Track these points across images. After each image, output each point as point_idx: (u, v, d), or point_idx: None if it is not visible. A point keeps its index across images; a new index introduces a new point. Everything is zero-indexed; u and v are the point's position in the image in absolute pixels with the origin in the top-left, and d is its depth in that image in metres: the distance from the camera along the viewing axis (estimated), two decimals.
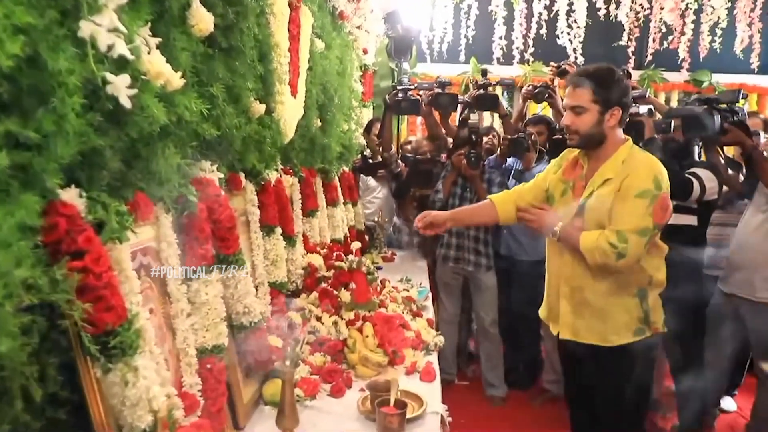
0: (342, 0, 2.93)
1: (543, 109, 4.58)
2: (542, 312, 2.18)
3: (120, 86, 0.86)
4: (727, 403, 3.45)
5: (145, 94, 1.01)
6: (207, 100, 1.30)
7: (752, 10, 5.02)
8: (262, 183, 1.81)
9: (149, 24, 1.05)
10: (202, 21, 1.27)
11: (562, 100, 3.95)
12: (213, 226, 1.36)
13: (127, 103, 0.88)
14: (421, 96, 3.70)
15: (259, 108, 1.68)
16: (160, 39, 1.08)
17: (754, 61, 5.13)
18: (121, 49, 0.88)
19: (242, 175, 1.70)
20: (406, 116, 4.93)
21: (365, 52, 3.96)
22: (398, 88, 3.72)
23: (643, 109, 3.08)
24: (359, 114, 3.75)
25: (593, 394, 2.11)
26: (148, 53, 1.04)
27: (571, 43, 5.10)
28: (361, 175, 3.89)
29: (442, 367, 3.61)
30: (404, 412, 1.45)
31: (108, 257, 0.90)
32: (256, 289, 1.73)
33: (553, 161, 2.16)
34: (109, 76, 0.86)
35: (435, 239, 3.64)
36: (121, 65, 0.93)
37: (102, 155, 0.97)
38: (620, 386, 1.94)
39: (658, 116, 3.27)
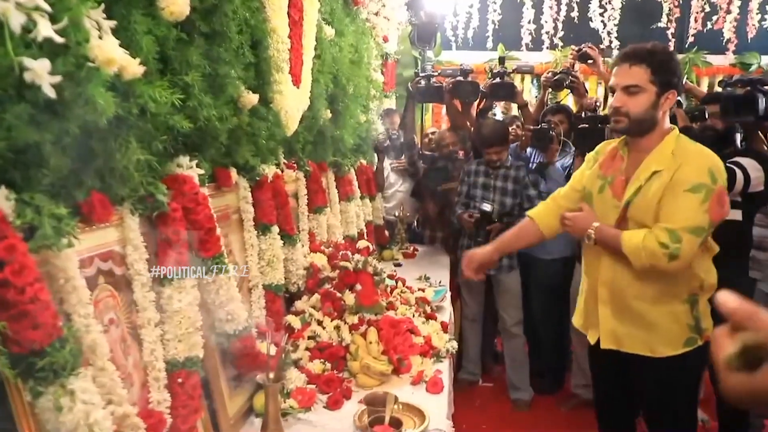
0: None
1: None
2: (577, 320, 1.99)
3: (41, 73, 0.75)
4: None
5: (91, 83, 0.91)
6: (181, 89, 1.20)
7: None
8: (258, 179, 1.70)
9: (102, 5, 0.94)
10: (174, 3, 1.15)
11: (586, 87, 3.73)
12: (190, 226, 1.25)
13: (50, 92, 0.77)
14: (444, 83, 3.53)
15: (251, 98, 1.57)
16: (115, 22, 0.97)
17: None
18: (46, 30, 0.77)
19: (233, 171, 1.59)
20: (430, 106, 4.76)
21: (386, 40, 3.82)
22: (421, 75, 3.56)
23: None
24: (379, 104, 3.62)
25: (631, 405, 1.97)
26: (99, 38, 0.93)
27: (605, 26, 4.81)
28: (383, 165, 3.76)
29: (466, 367, 3.50)
30: None
31: (34, 268, 0.79)
32: (250, 292, 1.64)
33: (588, 156, 1.97)
34: (28, 62, 0.75)
35: (459, 235, 3.49)
36: (59, 50, 0.83)
37: (39, 152, 0.87)
38: (670, 398, 1.78)
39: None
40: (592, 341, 1.87)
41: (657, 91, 1.67)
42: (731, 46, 4.84)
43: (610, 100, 1.78)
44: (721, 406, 2.77)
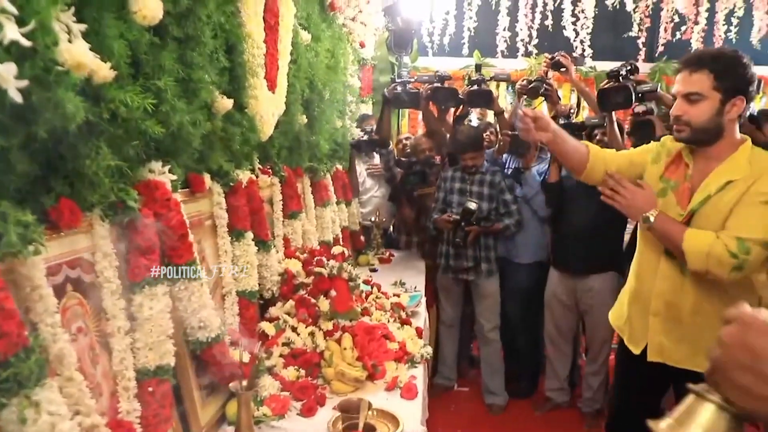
0: None
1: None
2: (615, 320, 1.89)
3: (7, 77, 0.74)
4: None
5: (60, 88, 0.89)
6: (153, 94, 1.18)
7: None
8: (232, 184, 1.68)
9: (72, 8, 0.93)
10: (147, 7, 1.14)
11: (560, 94, 3.77)
12: (162, 233, 1.23)
13: (17, 97, 0.75)
14: (420, 89, 3.56)
15: (225, 103, 1.56)
16: (85, 25, 0.96)
17: None
18: (12, 33, 0.75)
19: (207, 176, 1.57)
20: (406, 112, 4.79)
21: (362, 45, 3.83)
22: (397, 81, 3.57)
23: (639, 108, 2.92)
24: (355, 110, 3.62)
25: (648, 416, 1.93)
26: (69, 41, 0.92)
27: (578, 34, 4.90)
28: (358, 171, 3.76)
29: (442, 372, 3.52)
30: None
31: None
32: (223, 299, 1.62)
33: (650, 146, 1.85)
34: None
35: (435, 240, 3.51)
36: (29, 54, 0.81)
37: (6, 158, 0.85)
38: None
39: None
40: (636, 350, 1.79)
41: (721, 98, 1.59)
42: None
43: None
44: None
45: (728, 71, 1.59)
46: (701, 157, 1.68)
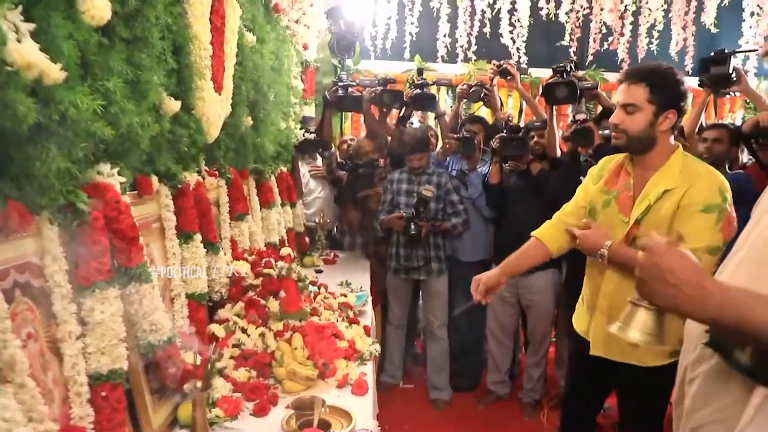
0: None
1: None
2: (579, 326, 2.00)
3: None
4: None
5: (10, 89, 0.88)
6: (102, 95, 1.17)
7: (686, 14, 5.17)
8: (180, 186, 1.67)
9: (20, 7, 0.91)
10: (95, 7, 1.12)
11: (501, 100, 3.93)
12: (112, 236, 1.22)
13: None
14: (363, 93, 3.61)
15: (173, 105, 1.55)
16: (34, 25, 0.94)
17: (688, 63, 5.29)
18: None
19: (155, 178, 1.55)
20: (349, 114, 4.82)
21: (306, 47, 3.84)
22: (338, 84, 3.61)
23: (580, 115, 3.09)
24: (299, 112, 3.62)
25: (597, 409, 2.08)
26: (18, 41, 0.90)
27: (514, 42, 5.11)
28: (301, 172, 3.76)
29: (388, 370, 3.58)
30: None
31: None
32: (173, 302, 1.61)
33: (591, 172, 1.99)
34: None
35: (380, 240, 3.57)
36: None
37: None
38: (645, 404, 1.87)
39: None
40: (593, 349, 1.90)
41: (655, 110, 1.69)
42: (625, 65, 5.29)
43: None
44: None
45: (663, 86, 1.70)
46: (639, 167, 1.80)
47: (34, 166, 0.99)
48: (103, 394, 1.11)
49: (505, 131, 3.07)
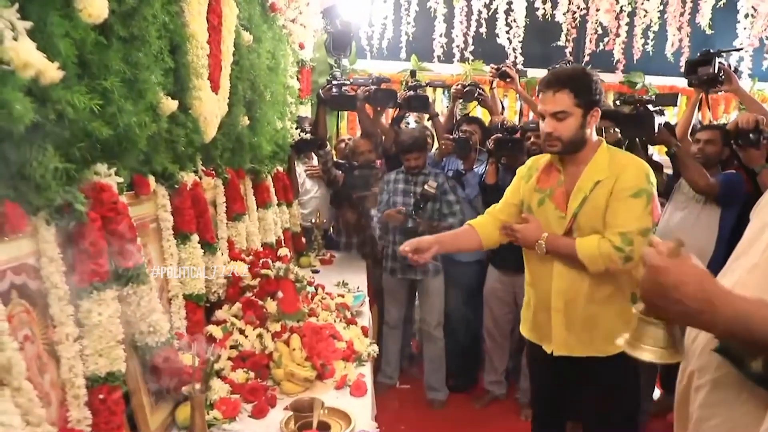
0: None
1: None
2: (528, 333, 2.03)
3: None
4: None
5: (6, 88, 0.86)
6: (100, 95, 1.16)
7: (681, 15, 5.19)
8: (177, 186, 1.66)
9: (16, 5, 0.90)
10: (92, 5, 1.11)
11: (501, 101, 3.95)
12: (109, 236, 1.20)
13: None
14: (356, 92, 3.61)
15: (170, 104, 1.54)
16: (31, 23, 0.93)
17: (684, 64, 5.32)
18: None
19: (152, 178, 1.54)
20: (345, 114, 4.81)
21: (302, 47, 3.82)
22: (333, 82, 3.61)
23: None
24: (295, 111, 3.61)
25: (566, 410, 2.06)
26: (14, 39, 0.89)
27: (510, 42, 5.11)
28: (298, 172, 3.75)
29: (384, 371, 3.57)
30: None
31: None
32: (170, 303, 1.59)
33: (520, 172, 2.05)
34: None
35: (375, 240, 3.56)
36: None
37: None
38: (615, 397, 1.88)
39: None
40: (548, 350, 1.92)
41: (582, 112, 1.78)
42: (620, 66, 5.31)
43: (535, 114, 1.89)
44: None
45: (584, 88, 1.78)
46: (570, 163, 1.87)
47: (30, 166, 0.97)
48: (101, 396, 1.10)
49: (500, 132, 3.08)
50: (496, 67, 3.57)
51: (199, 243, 1.72)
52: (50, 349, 1.06)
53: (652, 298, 0.88)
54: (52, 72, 0.95)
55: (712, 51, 2.99)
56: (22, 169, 0.97)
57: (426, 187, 3.12)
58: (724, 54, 3.00)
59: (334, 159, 3.83)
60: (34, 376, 1.00)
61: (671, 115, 4.85)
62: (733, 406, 0.94)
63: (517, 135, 3.06)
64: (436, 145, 3.88)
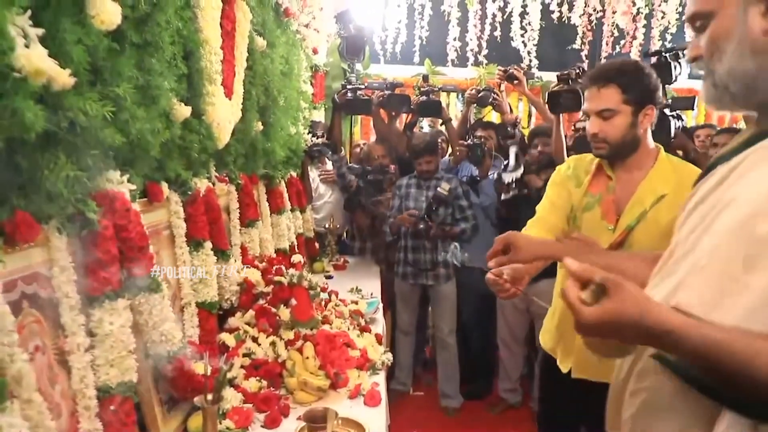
0: None
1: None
2: (546, 342, 1.86)
3: None
4: None
5: (17, 95, 0.85)
6: (112, 101, 1.15)
7: None
8: (190, 193, 1.65)
9: (29, 12, 0.89)
10: (105, 11, 1.10)
11: (510, 105, 3.92)
12: (121, 245, 1.19)
13: None
14: (372, 96, 3.60)
15: (184, 111, 1.53)
16: (43, 30, 0.92)
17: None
18: None
19: (165, 185, 1.53)
20: (359, 118, 4.80)
21: (315, 52, 3.82)
22: (347, 87, 3.60)
23: (581, 124, 3.09)
24: (308, 116, 3.60)
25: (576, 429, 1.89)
26: (26, 46, 0.88)
27: (525, 45, 5.07)
28: (311, 177, 3.74)
29: (398, 378, 3.54)
30: None
31: None
32: (183, 311, 1.58)
33: (560, 172, 1.82)
34: None
35: (389, 246, 3.54)
36: None
37: None
38: None
39: None
40: (564, 368, 1.74)
41: (632, 110, 1.60)
42: None
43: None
44: None
45: (634, 83, 1.60)
46: (621, 168, 1.68)
47: (42, 174, 0.96)
48: (112, 407, 1.09)
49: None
50: (503, 69, 3.54)
51: (212, 250, 1.70)
52: (61, 359, 1.04)
53: (595, 337, 0.83)
54: (64, 79, 0.94)
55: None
56: (33, 177, 0.96)
57: (439, 189, 3.10)
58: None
59: (348, 163, 3.82)
60: (45, 386, 0.98)
61: (690, 119, 4.77)
62: (674, 416, 0.86)
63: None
64: (450, 150, 3.86)
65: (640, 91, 1.61)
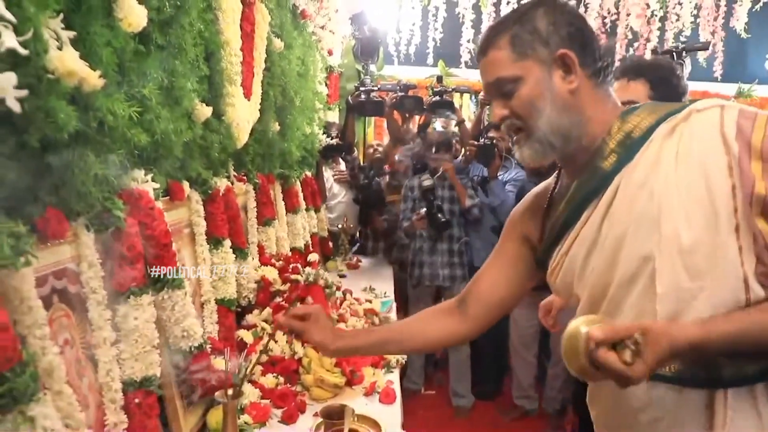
0: None
1: None
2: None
3: (6, 86, 0.73)
4: None
5: (51, 96, 0.88)
6: (138, 102, 1.17)
7: (715, 19, 5.07)
8: (210, 192, 1.67)
9: (61, 15, 0.92)
10: (132, 14, 1.13)
11: None
12: (145, 242, 1.22)
13: (15, 107, 0.75)
14: (385, 98, 3.62)
15: (205, 111, 1.55)
16: (74, 33, 0.95)
17: (717, 69, 5.19)
18: (10, 41, 0.74)
19: (186, 184, 1.56)
20: (372, 119, 4.83)
21: (330, 53, 3.85)
22: (361, 89, 3.62)
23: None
24: (323, 117, 3.63)
25: None
26: (59, 48, 0.91)
27: None
28: (325, 177, 3.77)
29: (410, 377, 3.56)
30: None
31: None
32: (202, 307, 1.61)
33: None
34: None
35: (402, 246, 3.56)
36: (19, 62, 0.80)
37: None
38: None
39: None
40: None
41: None
42: None
43: None
44: None
45: (663, 82, 1.61)
46: None
47: (72, 172, 0.99)
48: (137, 400, 1.11)
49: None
50: None
51: (231, 248, 1.73)
52: (88, 353, 1.07)
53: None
54: (94, 80, 0.96)
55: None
56: (63, 175, 0.99)
57: (423, 183, 3.19)
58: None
59: (361, 164, 3.85)
60: (73, 379, 1.01)
61: None
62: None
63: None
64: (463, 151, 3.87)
65: (667, 91, 1.61)
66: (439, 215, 3.15)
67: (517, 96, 0.96)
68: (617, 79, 1.68)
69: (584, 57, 0.95)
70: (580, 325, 0.81)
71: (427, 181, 3.15)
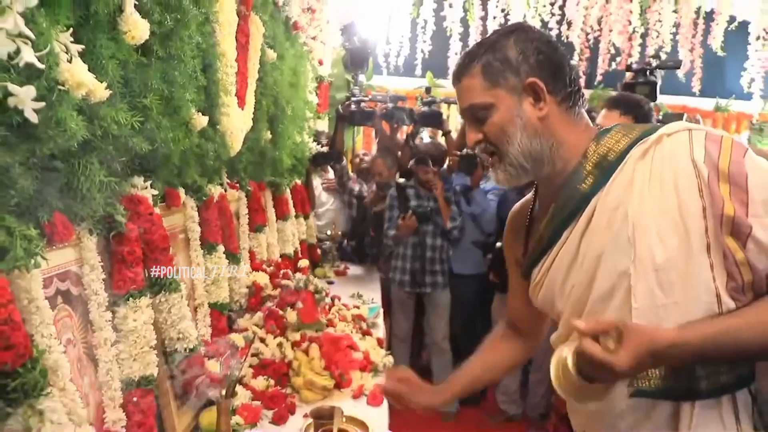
0: (296, 10, 2.87)
1: None
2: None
3: (25, 99, 0.78)
4: None
5: (61, 107, 0.93)
6: (140, 111, 1.22)
7: (693, 36, 5.24)
8: (204, 198, 1.72)
9: (71, 29, 0.97)
10: (136, 27, 1.18)
11: None
12: (144, 246, 1.26)
13: (33, 118, 0.79)
14: (375, 108, 3.69)
15: (201, 120, 1.60)
16: (83, 46, 1.00)
17: (696, 85, 5.35)
18: (29, 56, 0.79)
19: (182, 191, 1.60)
20: (361, 129, 4.90)
21: (321, 63, 3.91)
22: (351, 99, 3.69)
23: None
24: (313, 126, 3.69)
25: None
26: (69, 61, 0.96)
27: None
28: (314, 186, 3.82)
29: None
30: None
31: (8, 289, 0.80)
32: (196, 311, 1.65)
33: None
34: (12, 88, 0.77)
35: (389, 254, 3.62)
36: (33, 74, 0.85)
37: (9, 174, 0.88)
38: None
39: None
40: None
41: None
42: None
43: None
44: None
45: (631, 109, 1.91)
46: None
47: (78, 179, 1.03)
48: (135, 399, 1.15)
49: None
50: None
51: (224, 253, 1.77)
52: (89, 353, 1.11)
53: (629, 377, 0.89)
54: (101, 91, 1.01)
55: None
56: (70, 182, 1.04)
57: (398, 180, 3.38)
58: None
59: (350, 173, 3.91)
60: (76, 377, 1.05)
61: None
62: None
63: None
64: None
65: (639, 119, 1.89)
66: (419, 209, 3.23)
67: (490, 122, 1.01)
68: (603, 107, 1.97)
69: (554, 84, 1.00)
70: (564, 348, 0.88)
71: (402, 179, 3.25)
